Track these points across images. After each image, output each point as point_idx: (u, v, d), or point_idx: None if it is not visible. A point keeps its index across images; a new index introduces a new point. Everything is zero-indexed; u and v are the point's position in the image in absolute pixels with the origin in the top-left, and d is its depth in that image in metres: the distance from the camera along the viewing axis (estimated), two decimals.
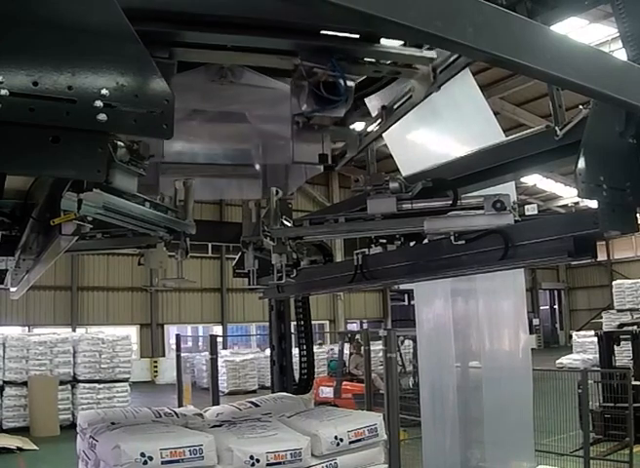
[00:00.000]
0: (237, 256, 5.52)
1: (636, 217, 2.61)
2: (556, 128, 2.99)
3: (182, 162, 3.77)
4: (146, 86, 1.64)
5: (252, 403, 4.88)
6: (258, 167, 4.25)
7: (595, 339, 12.09)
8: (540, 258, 3.19)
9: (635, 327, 11.57)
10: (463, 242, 3.32)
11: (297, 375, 6.32)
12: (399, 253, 3.96)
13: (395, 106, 3.91)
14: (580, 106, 2.76)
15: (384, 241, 3.79)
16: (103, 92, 1.56)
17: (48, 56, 1.52)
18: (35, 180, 2.70)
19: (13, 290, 4.70)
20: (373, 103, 4.08)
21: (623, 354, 12.72)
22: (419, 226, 3.24)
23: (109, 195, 2.40)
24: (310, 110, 2.97)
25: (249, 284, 4.95)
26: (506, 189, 3.54)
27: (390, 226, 3.37)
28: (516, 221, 3.11)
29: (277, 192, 3.83)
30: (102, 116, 1.56)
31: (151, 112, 1.64)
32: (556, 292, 40.14)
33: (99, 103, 1.56)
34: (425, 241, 3.79)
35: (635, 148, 2.47)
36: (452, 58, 3.28)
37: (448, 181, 3.38)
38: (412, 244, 3.87)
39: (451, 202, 3.18)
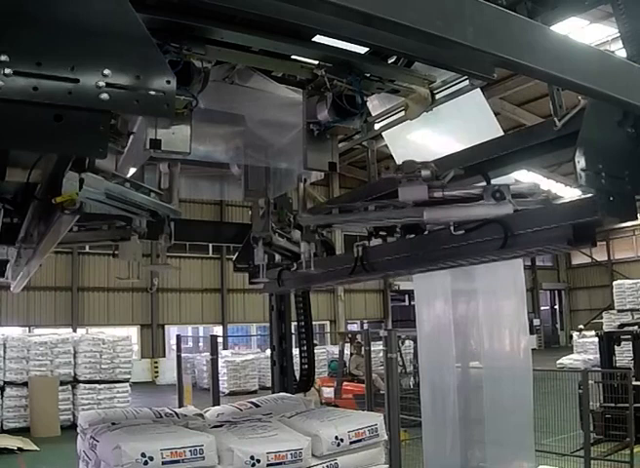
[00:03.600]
0: (238, 251, 5.50)
1: (635, 206, 2.62)
2: (555, 118, 3.00)
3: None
4: (148, 67, 1.69)
5: (252, 403, 4.88)
6: (236, 169, 4.30)
7: (596, 340, 12.08)
8: (540, 247, 3.17)
9: (636, 327, 11.55)
10: (463, 232, 3.31)
11: (297, 372, 6.32)
12: (399, 245, 3.95)
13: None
14: (579, 97, 2.76)
15: (384, 233, 3.81)
16: (106, 72, 1.60)
17: (52, 36, 1.56)
18: (37, 161, 2.68)
19: (13, 284, 4.70)
20: (374, 103, 4.11)
21: (624, 354, 12.72)
22: (448, 215, 3.25)
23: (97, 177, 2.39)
24: (331, 120, 3.07)
25: (249, 279, 4.97)
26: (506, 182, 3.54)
27: (420, 214, 3.33)
28: (515, 211, 3.12)
29: (305, 180, 3.84)
30: (105, 95, 1.61)
31: (153, 93, 1.68)
32: (557, 293, 40.12)
33: (101, 83, 1.60)
34: (426, 233, 3.79)
35: (634, 137, 2.47)
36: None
37: (480, 169, 3.39)
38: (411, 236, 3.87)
39: (482, 189, 3.17)
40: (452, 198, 3.20)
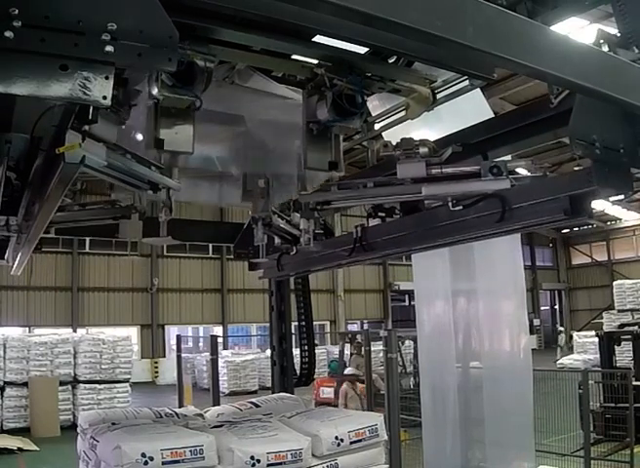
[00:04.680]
0: (238, 237, 5.50)
1: (631, 178, 2.63)
2: (551, 96, 3.01)
3: None
4: (151, 22, 1.76)
5: (252, 403, 4.88)
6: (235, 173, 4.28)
7: (596, 340, 12.08)
8: (537, 219, 3.19)
9: (636, 327, 11.58)
10: (461, 207, 3.32)
11: (298, 363, 6.33)
12: (397, 224, 3.96)
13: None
14: None
15: (383, 214, 3.81)
16: (111, 26, 1.68)
17: None
18: (43, 114, 2.68)
19: (14, 267, 4.68)
20: (374, 103, 4.10)
21: (624, 354, 12.72)
22: (447, 191, 3.25)
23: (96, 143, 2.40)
24: (331, 119, 3.05)
25: (249, 263, 4.93)
26: None
27: (418, 190, 3.31)
28: (512, 186, 3.13)
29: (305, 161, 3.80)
30: (109, 48, 1.70)
31: (155, 47, 1.77)
32: (557, 293, 40.13)
33: (106, 36, 1.69)
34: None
35: (629, 112, 2.48)
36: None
37: (478, 146, 3.39)
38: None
39: (480, 166, 3.17)
40: (449, 175, 3.19)
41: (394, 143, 3.28)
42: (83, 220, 4.19)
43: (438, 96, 3.53)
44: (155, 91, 2.63)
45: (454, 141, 3.42)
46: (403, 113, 3.86)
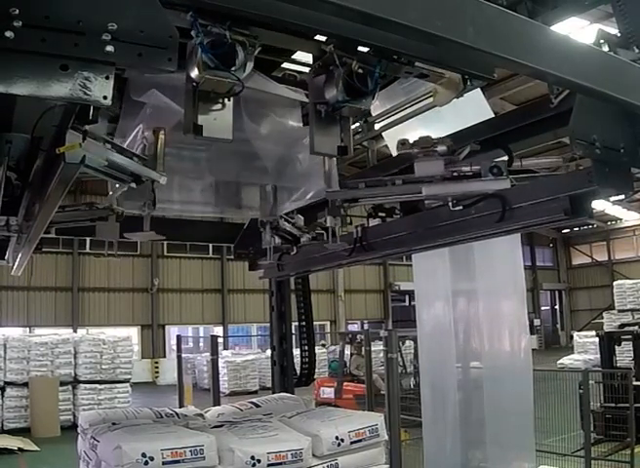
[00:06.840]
0: (238, 237, 5.48)
1: (632, 177, 2.64)
2: (551, 96, 3.00)
3: None
4: (151, 22, 1.77)
5: (253, 403, 4.88)
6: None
7: (596, 340, 12.08)
8: (537, 219, 3.20)
9: (636, 327, 11.57)
10: (461, 207, 3.33)
11: (298, 363, 6.33)
12: (397, 223, 3.97)
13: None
14: None
15: (383, 214, 3.79)
16: (111, 26, 1.69)
17: None
18: (43, 114, 2.66)
19: (14, 267, 4.69)
20: (374, 104, 4.09)
21: (624, 354, 12.71)
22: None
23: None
24: (341, 100, 2.91)
25: (249, 264, 4.90)
26: None
27: (446, 189, 3.27)
28: (513, 186, 3.13)
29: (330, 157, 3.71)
30: (110, 48, 1.71)
31: (156, 47, 1.78)
32: (557, 293, 40.14)
33: (106, 36, 1.70)
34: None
35: (629, 112, 2.48)
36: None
37: (498, 142, 3.39)
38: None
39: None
40: (472, 173, 3.16)
41: (411, 141, 3.25)
42: (62, 222, 4.19)
43: (469, 81, 3.42)
44: (195, 73, 2.50)
45: (453, 141, 3.41)
46: (430, 100, 3.71)
